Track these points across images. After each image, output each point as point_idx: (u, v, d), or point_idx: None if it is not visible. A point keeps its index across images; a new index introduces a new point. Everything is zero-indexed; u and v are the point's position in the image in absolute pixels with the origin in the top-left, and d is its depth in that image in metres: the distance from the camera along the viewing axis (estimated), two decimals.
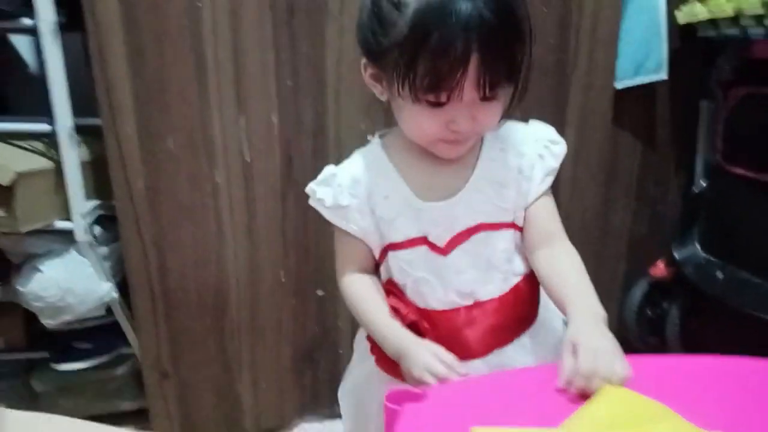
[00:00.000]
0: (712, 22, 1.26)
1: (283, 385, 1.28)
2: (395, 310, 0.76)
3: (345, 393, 0.89)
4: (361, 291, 0.80)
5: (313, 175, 1.14)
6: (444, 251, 0.75)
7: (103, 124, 1.10)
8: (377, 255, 0.79)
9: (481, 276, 0.76)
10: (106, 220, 1.32)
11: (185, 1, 1.05)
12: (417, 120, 0.69)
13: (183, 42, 1.06)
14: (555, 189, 1.26)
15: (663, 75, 1.35)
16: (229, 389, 1.27)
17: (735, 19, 1.19)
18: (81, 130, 1.17)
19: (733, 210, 1.33)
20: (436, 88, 0.64)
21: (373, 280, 0.81)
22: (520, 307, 0.79)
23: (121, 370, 1.45)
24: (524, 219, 0.78)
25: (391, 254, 0.78)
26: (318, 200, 0.79)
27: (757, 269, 1.27)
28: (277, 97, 1.12)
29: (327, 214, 0.79)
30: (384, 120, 1.16)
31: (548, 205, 0.79)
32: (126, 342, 1.35)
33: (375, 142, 0.80)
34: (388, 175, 0.76)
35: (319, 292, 1.26)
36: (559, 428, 0.56)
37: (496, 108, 0.69)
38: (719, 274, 1.33)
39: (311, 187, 0.81)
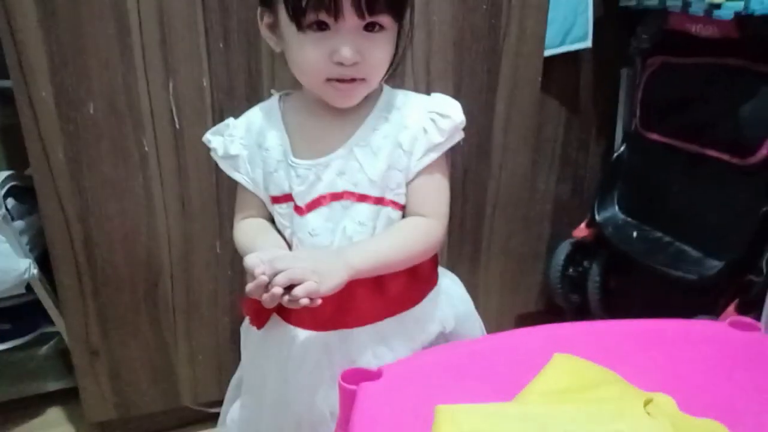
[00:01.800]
0: None
1: (221, 358, 1.26)
2: None
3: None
4: (243, 228, 0.82)
5: None
6: (301, 211, 0.76)
7: (14, 88, 1.01)
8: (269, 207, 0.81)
9: (334, 245, 0.76)
10: (19, 191, 1.24)
11: None
12: (303, 53, 0.70)
13: None
14: (486, 153, 1.32)
15: (588, 43, 1.40)
16: (164, 365, 1.24)
17: None
18: None
19: (649, 174, 1.42)
20: (317, 7, 0.66)
21: (261, 222, 0.82)
22: (375, 288, 0.75)
23: (44, 350, 1.39)
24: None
25: (271, 207, 0.80)
26: (212, 149, 0.83)
27: (668, 229, 1.37)
28: (207, 60, 1.07)
29: (220, 164, 0.83)
30: None
31: (426, 185, 0.76)
32: (49, 320, 1.28)
33: (275, 97, 0.82)
34: (276, 128, 0.79)
35: None
36: (515, 400, 0.59)
37: (381, 44, 0.71)
38: (634, 234, 1.42)
39: (206, 137, 0.84)
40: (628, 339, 0.72)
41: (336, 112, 0.76)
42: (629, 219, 1.45)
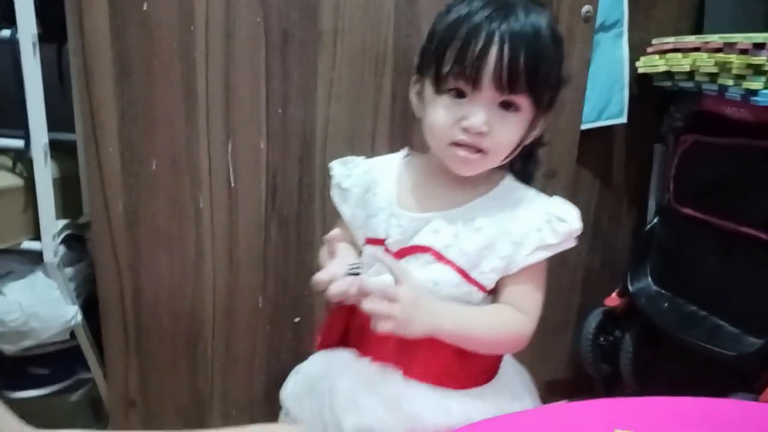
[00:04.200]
0: (669, 74, 1.37)
1: (254, 415, 1.26)
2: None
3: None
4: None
5: (298, 204, 1.16)
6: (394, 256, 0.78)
7: (81, 142, 1.06)
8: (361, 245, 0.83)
9: None
10: (71, 240, 1.27)
11: (177, 23, 1.04)
12: (435, 113, 0.72)
13: (173, 64, 1.05)
14: None
15: (623, 119, 1.45)
16: (198, 419, 1.24)
17: (690, 74, 1.30)
18: (51, 146, 1.12)
19: (682, 247, 1.44)
20: (457, 75, 0.69)
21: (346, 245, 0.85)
22: (432, 356, 0.75)
23: (75, 397, 1.38)
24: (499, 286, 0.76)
25: (362, 246, 0.82)
26: (332, 175, 0.87)
27: (702, 303, 1.37)
28: (266, 124, 1.12)
29: (333, 190, 0.87)
30: (370, 148, 1.19)
31: (528, 282, 0.75)
32: (85, 367, 1.29)
33: (402, 152, 0.86)
34: (389, 178, 0.82)
35: (296, 319, 1.25)
36: None
37: (512, 123, 0.71)
38: (667, 305, 1.43)
39: (333, 163, 0.88)
40: (687, 416, 0.72)
41: (452, 179, 0.77)
42: (662, 290, 1.46)
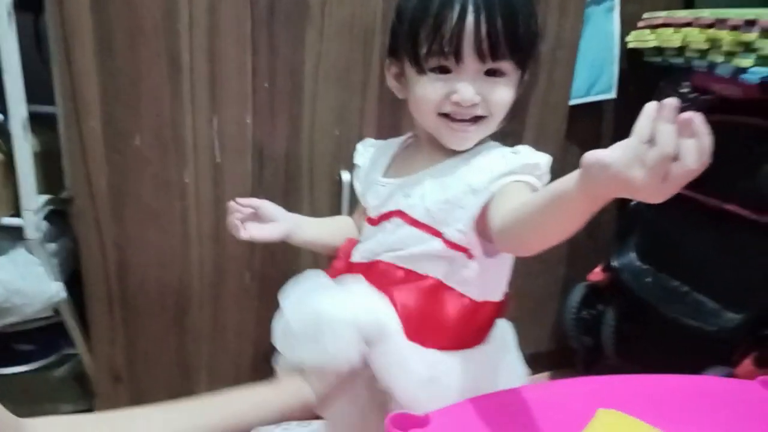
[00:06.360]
0: (659, 50, 1.36)
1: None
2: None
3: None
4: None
5: (285, 179, 1.15)
6: (373, 222, 0.82)
7: (62, 116, 1.03)
8: None
9: (378, 254, 0.79)
10: (53, 215, 1.25)
11: None
12: (423, 92, 0.71)
13: (157, 38, 1.02)
14: None
15: (612, 94, 1.45)
16: (185, 393, 1.23)
17: (680, 50, 1.29)
18: (31, 119, 1.09)
19: (666, 224, 1.45)
20: (437, 53, 0.68)
21: (346, 221, 0.93)
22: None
23: (61, 372, 1.38)
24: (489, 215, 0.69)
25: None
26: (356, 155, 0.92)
27: (685, 279, 1.40)
28: (252, 99, 1.10)
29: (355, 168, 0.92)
30: (358, 126, 1.18)
31: (507, 193, 0.69)
32: (69, 342, 1.28)
33: (408, 134, 0.88)
34: (387, 156, 0.86)
35: None
36: None
37: (502, 88, 0.71)
38: (650, 281, 1.45)
39: (359, 144, 0.93)
40: (669, 395, 0.74)
41: (435, 147, 0.77)
42: (646, 266, 1.48)
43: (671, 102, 0.43)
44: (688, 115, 0.42)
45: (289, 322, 0.74)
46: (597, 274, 1.56)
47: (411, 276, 0.76)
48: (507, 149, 0.76)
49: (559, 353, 1.68)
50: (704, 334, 1.26)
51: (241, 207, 0.83)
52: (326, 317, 0.69)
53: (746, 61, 1.12)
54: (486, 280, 0.76)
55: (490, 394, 0.80)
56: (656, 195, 0.44)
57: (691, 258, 1.38)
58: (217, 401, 0.71)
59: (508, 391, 0.82)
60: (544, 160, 0.72)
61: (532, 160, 0.72)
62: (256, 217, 0.84)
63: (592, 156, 0.47)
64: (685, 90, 1.33)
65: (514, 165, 0.70)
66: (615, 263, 1.50)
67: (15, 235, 1.13)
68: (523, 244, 0.64)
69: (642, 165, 0.43)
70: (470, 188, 0.72)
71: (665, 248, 1.44)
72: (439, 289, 0.75)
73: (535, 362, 1.65)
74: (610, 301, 1.52)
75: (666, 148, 0.42)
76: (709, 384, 0.77)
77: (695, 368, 0.88)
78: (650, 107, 0.44)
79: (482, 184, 0.71)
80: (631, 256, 1.51)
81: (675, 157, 0.42)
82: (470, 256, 0.74)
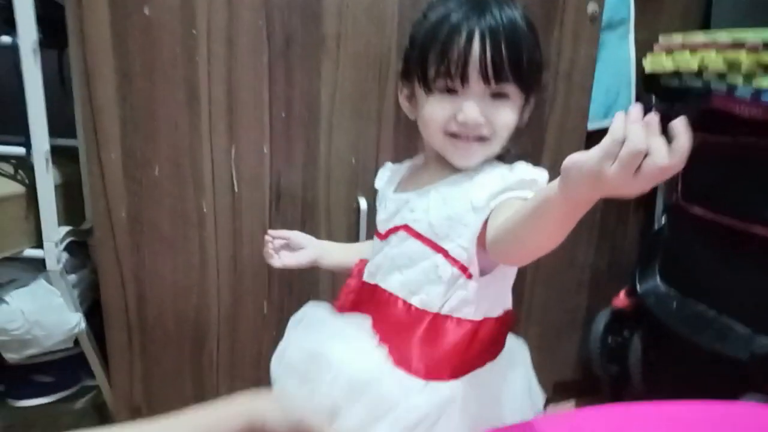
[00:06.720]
0: (676, 73, 1.35)
1: None
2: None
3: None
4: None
5: (302, 207, 1.15)
6: (381, 237, 0.84)
7: (84, 148, 1.05)
8: None
9: (384, 268, 0.81)
10: (73, 246, 1.26)
11: (179, 27, 1.02)
12: (431, 111, 0.75)
13: (175, 69, 1.04)
14: None
15: None
16: None
17: (698, 73, 1.28)
18: (53, 152, 1.11)
19: (691, 247, 1.42)
20: (445, 74, 0.72)
21: (369, 245, 0.92)
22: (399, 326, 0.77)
23: (80, 404, 1.38)
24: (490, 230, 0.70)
25: None
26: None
27: (712, 303, 1.36)
28: (269, 129, 1.11)
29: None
30: (374, 153, 1.18)
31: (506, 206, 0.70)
32: (89, 374, 1.29)
33: (421, 155, 0.90)
34: (400, 172, 0.90)
35: None
36: None
37: (506, 110, 0.74)
38: (676, 306, 1.41)
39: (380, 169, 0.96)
40: (699, 424, 0.71)
41: (441, 164, 0.80)
42: (671, 290, 1.44)
43: (638, 106, 0.47)
44: (654, 115, 0.46)
45: (284, 351, 0.86)
46: (621, 300, 1.52)
47: (411, 312, 0.77)
48: (506, 167, 0.78)
49: (583, 382, 1.64)
50: (736, 362, 1.21)
51: (273, 239, 0.92)
52: (323, 362, 0.76)
53: (766, 82, 1.11)
54: (484, 297, 0.77)
55: (516, 425, 0.78)
56: (629, 188, 0.47)
57: (717, 282, 1.34)
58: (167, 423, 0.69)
59: (524, 424, 0.80)
60: (541, 175, 0.74)
61: (528, 176, 0.74)
62: (287, 246, 0.93)
63: (569, 159, 0.51)
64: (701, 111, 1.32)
65: (511, 181, 0.73)
66: (639, 289, 1.46)
67: (35, 266, 1.14)
68: (514, 252, 0.67)
69: (614, 160, 0.46)
70: (472, 206, 0.74)
71: (690, 272, 1.40)
72: (437, 322, 0.76)
73: (560, 391, 1.62)
74: (636, 328, 1.48)
75: (635, 144, 0.44)
76: (741, 410, 0.74)
77: (728, 396, 0.85)
78: (623, 112, 0.48)
79: (482, 201, 0.73)
80: (656, 281, 1.47)
81: (647, 154, 0.45)
82: (469, 276, 0.75)
